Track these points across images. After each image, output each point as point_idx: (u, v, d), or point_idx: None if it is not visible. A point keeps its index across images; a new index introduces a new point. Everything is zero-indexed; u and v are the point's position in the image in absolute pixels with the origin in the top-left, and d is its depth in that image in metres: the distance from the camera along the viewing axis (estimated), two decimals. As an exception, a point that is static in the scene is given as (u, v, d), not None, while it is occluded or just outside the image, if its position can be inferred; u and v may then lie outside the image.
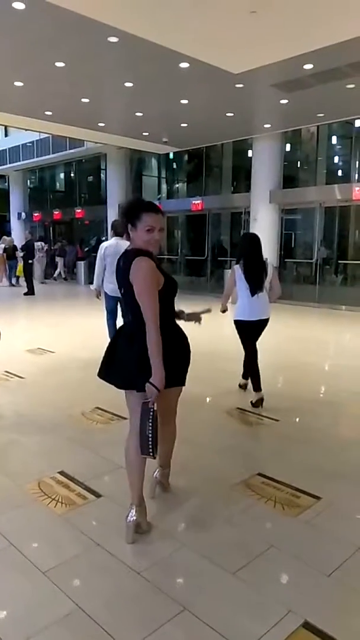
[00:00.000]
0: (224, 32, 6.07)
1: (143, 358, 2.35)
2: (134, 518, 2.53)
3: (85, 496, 2.97)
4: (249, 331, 4.71)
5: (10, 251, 15.98)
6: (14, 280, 16.25)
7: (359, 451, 3.69)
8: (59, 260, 17.84)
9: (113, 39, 6.33)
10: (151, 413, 2.37)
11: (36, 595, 2.16)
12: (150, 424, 2.37)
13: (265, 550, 2.47)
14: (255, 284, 4.43)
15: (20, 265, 16.28)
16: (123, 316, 2.68)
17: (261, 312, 4.57)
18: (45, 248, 17.54)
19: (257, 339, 4.82)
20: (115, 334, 2.72)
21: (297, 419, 4.36)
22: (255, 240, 4.51)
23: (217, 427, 4.16)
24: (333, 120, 10.69)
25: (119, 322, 6.69)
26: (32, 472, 3.27)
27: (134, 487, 2.59)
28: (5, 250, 15.55)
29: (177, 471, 3.28)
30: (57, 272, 17.89)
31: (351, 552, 2.46)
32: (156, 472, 3.01)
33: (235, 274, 4.59)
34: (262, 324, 4.61)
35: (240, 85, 8.06)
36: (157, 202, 14.98)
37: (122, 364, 2.53)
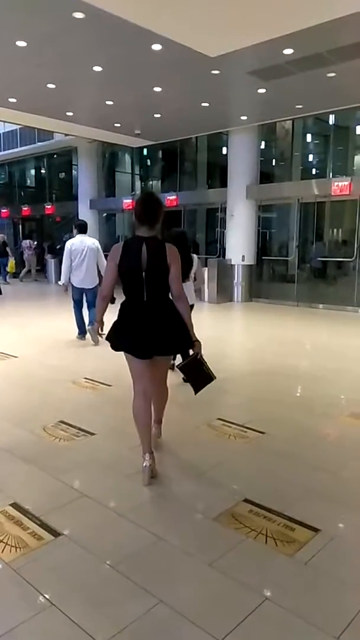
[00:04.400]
0: (199, 8, 5.61)
1: (181, 324, 2.97)
2: (149, 464, 2.94)
3: (40, 536, 2.47)
4: None
5: (2, 248, 15.44)
6: (1, 278, 15.59)
7: (357, 470, 3.28)
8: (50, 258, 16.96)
9: (79, 15, 5.79)
10: (203, 359, 3.10)
11: None
12: (206, 364, 3.10)
13: (259, 605, 2.02)
14: (184, 274, 4.84)
15: (12, 261, 15.74)
16: (142, 295, 2.90)
17: (189, 298, 4.97)
18: (34, 246, 16.81)
19: None
20: (140, 313, 2.92)
21: (285, 432, 3.93)
22: (184, 236, 5.18)
23: (196, 443, 3.70)
24: (311, 112, 10.34)
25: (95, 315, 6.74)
26: (-22, 505, 2.75)
27: (144, 440, 3.00)
28: None
29: (148, 501, 2.82)
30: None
31: (362, 603, 2.04)
32: (152, 430, 3.21)
33: None
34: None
35: (217, 72, 7.61)
36: (131, 199, 14.57)
37: (171, 334, 2.96)
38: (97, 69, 7.60)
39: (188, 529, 2.58)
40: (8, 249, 15.92)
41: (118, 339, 2.99)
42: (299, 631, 1.91)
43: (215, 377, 3.19)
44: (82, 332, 7.09)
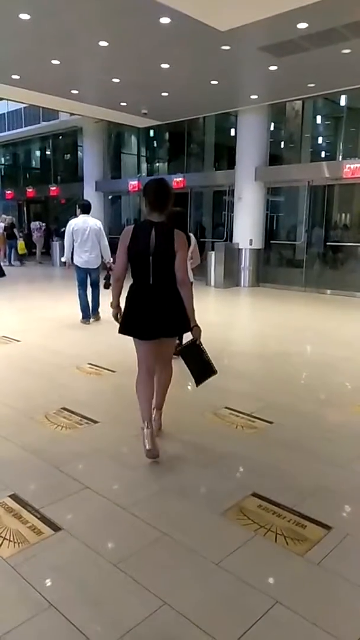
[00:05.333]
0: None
1: (182, 308, 2.99)
2: (149, 431, 3.01)
3: (40, 530, 2.37)
4: None
5: (10, 230, 15.49)
6: (13, 261, 15.57)
7: (369, 462, 3.16)
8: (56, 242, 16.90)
9: (84, -15, 5.55)
10: (202, 347, 3.10)
11: None
12: (206, 353, 3.10)
13: (270, 609, 1.91)
14: None
15: (21, 243, 15.80)
16: (148, 278, 2.96)
17: None
18: (44, 227, 16.71)
19: None
20: (146, 296, 2.99)
21: (294, 422, 3.80)
22: (181, 215, 5.16)
23: (202, 433, 3.58)
24: (324, 91, 9.99)
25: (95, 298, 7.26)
26: (-24, 496, 2.65)
27: (144, 410, 3.09)
28: (4, 229, 15.21)
29: (152, 494, 2.71)
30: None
31: (378, 608, 1.92)
32: (153, 414, 3.21)
33: None
34: None
35: (227, 47, 7.33)
36: (136, 180, 14.30)
37: (173, 317, 3.01)
38: (103, 44, 7.33)
39: (194, 524, 2.46)
40: (16, 231, 15.96)
41: (125, 322, 3.07)
42: (312, 638, 1.80)
43: (216, 372, 3.17)
44: (86, 317, 7.04)
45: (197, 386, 3.20)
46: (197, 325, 3.04)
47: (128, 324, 3.05)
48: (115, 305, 3.18)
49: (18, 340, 6.05)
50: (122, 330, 3.08)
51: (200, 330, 3.05)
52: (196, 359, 3.11)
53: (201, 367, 3.12)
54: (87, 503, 2.62)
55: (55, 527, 2.39)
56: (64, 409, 3.89)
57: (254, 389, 4.56)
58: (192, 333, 3.04)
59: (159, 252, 2.90)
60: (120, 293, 3.16)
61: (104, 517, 2.51)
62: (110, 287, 3.30)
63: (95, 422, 3.66)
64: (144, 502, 2.62)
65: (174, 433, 3.49)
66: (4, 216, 16.38)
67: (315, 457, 3.21)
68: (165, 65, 8.27)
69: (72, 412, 3.82)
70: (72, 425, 3.60)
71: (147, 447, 2.97)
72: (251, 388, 4.60)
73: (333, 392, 4.54)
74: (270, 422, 3.72)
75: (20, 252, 15.93)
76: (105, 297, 7.29)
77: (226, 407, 3.98)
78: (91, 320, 7.05)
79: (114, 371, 4.89)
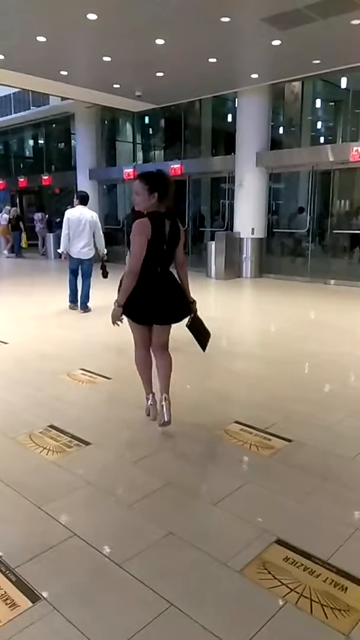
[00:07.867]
0: None
1: (181, 295, 3.27)
2: (152, 403, 3.42)
3: (14, 602, 1.88)
4: None
5: (15, 222, 15.16)
6: (9, 253, 15.14)
7: None
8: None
9: None
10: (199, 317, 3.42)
11: None
12: (203, 324, 3.44)
13: None
14: None
15: (24, 235, 15.53)
16: (157, 267, 3.11)
17: None
18: (45, 219, 16.27)
19: None
20: (153, 283, 3.11)
21: (316, 439, 3.30)
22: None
23: (211, 456, 3.11)
24: (330, 68, 9.32)
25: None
26: None
27: (146, 383, 3.45)
28: (9, 220, 14.87)
29: (154, 544, 2.21)
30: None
31: None
32: (161, 401, 3.20)
33: None
34: None
35: (227, 19, 6.73)
36: (132, 168, 13.69)
37: (179, 302, 3.24)
38: (92, 16, 6.72)
39: (207, 588, 1.97)
40: (21, 224, 15.60)
41: (129, 307, 3.12)
42: None
43: (210, 334, 3.49)
44: (73, 302, 7.22)
45: (203, 351, 3.45)
46: (194, 300, 3.37)
47: (135, 309, 3.13)
48: (122, 304, 3.09)
49: (6, 343, 5.54)
50: (127, 315, 3.16)
51: (196, 303, 3.37)
52: (198, 328, 3.41)
53: (203, 334, 3.44)
54: (73, 558, 2.13)
55: (34, 596, 1.90)
56: (52, 426, 3.39)
57: (266, 398, 4.06)
58: (192, 307, 3.33)
59: (171, 241, 3.11)
60: (131, 290, 3.06)
61: (94, 578, 2.02)
62: (119, 281, 3.20)
63: (87, 443, 3.17)
64: (144, 556, 2.14)
65: (179, 457, 3.00)
66: (7, 207, 16.11)
67: (347, 486, 2.72)
68: (160, 41, 7.66)
69: (61, 431, 3.32)
70: (60, 448, 3.10)
71: (151, 418, 3.37)
72: (263, 397, 4.10)
73: (359, 399, 4.05)
74: (289, 440, 3.23)
75: (23, 246, 15.69)
76: (97, 290, 6.84)
77: (236, 422, 3.48)
78: (79, 311, 7.08)
79: (109, 378, 4.39)
